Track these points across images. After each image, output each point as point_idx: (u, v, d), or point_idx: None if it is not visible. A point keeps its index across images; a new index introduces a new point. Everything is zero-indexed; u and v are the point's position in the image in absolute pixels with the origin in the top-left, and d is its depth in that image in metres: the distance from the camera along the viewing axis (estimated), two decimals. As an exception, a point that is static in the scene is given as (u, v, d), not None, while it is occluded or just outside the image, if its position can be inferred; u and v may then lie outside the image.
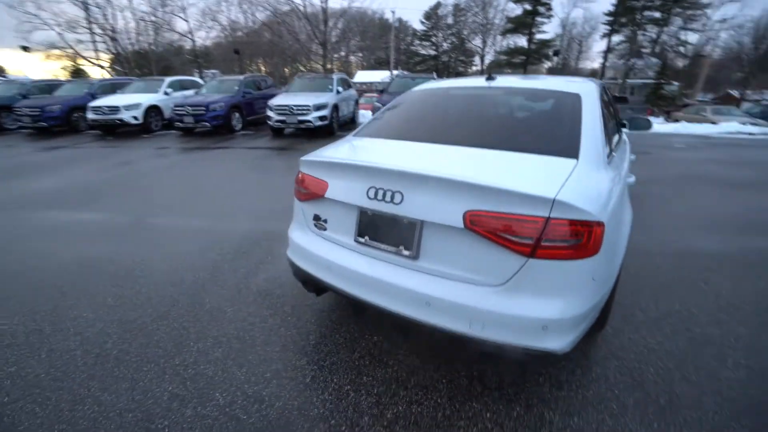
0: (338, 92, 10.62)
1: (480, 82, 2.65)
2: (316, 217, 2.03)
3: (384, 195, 1.69)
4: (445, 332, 1.64)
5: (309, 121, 9.57)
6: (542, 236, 1.44)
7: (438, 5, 54.22)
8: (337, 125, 10.73)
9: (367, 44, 42.69)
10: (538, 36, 47.86)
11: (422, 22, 56.63)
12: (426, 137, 2.16)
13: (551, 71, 47.13)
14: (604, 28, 45.67)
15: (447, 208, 1.55)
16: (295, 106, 9.55)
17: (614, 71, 41.71)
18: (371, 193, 1.72)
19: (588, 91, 2.29)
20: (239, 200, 4.92)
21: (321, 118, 9.66)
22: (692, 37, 38.97)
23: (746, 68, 36.81)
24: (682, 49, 39.05)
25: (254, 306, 2.58)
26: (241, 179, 6.04)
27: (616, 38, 39.72)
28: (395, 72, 39.82)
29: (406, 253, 1.70)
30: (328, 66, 28.22)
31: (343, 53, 43.66)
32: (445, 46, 56.59)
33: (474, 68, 55.29)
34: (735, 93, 38.38)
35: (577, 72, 47.95)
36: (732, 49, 37.73)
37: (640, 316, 2.45)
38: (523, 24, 47.33)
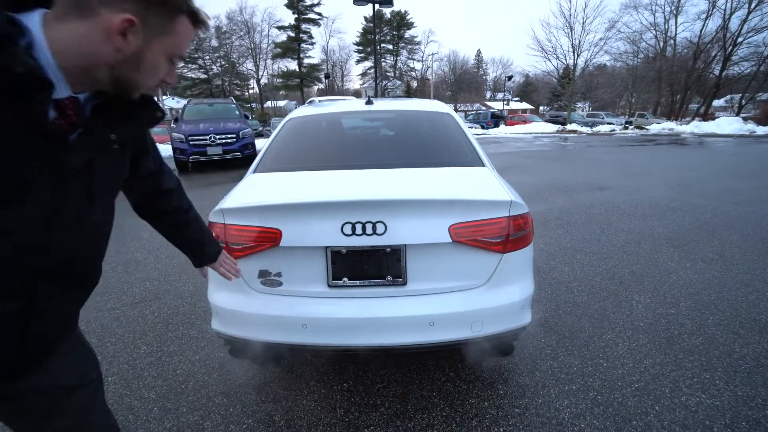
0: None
1: (360, 105, 2.77)
2: (264, 273, 1.68)
3: (364, 228, 1.57)
4: (449, 345, 1.69)
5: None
6: (509, 233, 1.68)
7: (198, 26, 50.58)
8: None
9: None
10: (306, 60, 52.09)
11: (183, 44, 51.58)
12: (347, 164, 2.13)
13: (322, 92, 52.47)
14: (356, 56, 54.35)
15: (433, 227, 1.60)
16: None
17: (371, 91, 50.23)
18: (347, 230, 1.57)
19: (449, 110, 2.78)
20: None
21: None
22: (417, 65, 56.16)
23: (452, 87, 52.69)
24: (412, 73, 54.89)
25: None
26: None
27: (367, 64, 50.52)
28: (164, 97, 35.00)
29: (395, 281, 1.64)
30: None
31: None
32: (216, 69, 53.70)
33: (251, 90, 54.85)
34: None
35: (343, 92, 54.92)
36: (440, 75, 54.63)
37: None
38: (290, 49, 50.46)
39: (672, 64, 32.27)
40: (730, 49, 27.91)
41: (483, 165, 2.17)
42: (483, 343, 1.72)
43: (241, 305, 1.68)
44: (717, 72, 29.41)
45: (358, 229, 1.57)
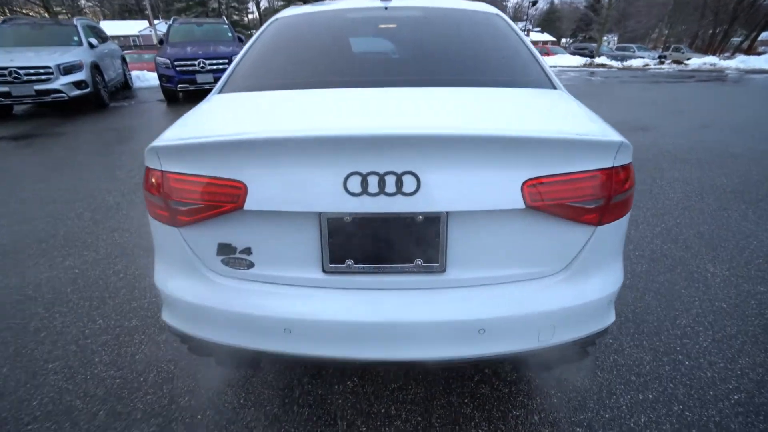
0: (91, 45, 7.51)
1: (372, 2, 1.98)
2: (226, 249, 1.09)
3: (381, 184, 0.95)
4: (504, 359, 1.15)
5: (58, 91, 6.49)
6: (611, 193, 1.05)
7: (189, -63, 45.33)
8: (108, 94, 7.81)
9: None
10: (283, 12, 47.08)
11: (174, -42, 46.73)
12: (356, 80, 1.44)
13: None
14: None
15: (496, 185, 0.97)
16: (21, 68, 6.24)
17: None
18: (353, 185, 0.95)
19: (497, 10, 1.99)
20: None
21: (77, 84, 6.71)
22: None
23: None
24: None
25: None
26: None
27: None
28: (156, 21, 32.36)
29: (427, 267, 1.05)
30: (57, 11, 19.96)
31: (66, -4, 31.85)
32: (211, -11, 48.99)
33: (251, 15, 50.55)
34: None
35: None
36: None
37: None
38: (293, -34, 45.36)
39: (722, -14, 28.41)
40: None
41: (554, 87, 1.48)
42: (551, 353, 1.18)
43: (196, 295, 1.13)
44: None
45: (372, 184, 0.95)
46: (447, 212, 1.00)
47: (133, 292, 2.17)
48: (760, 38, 32.02)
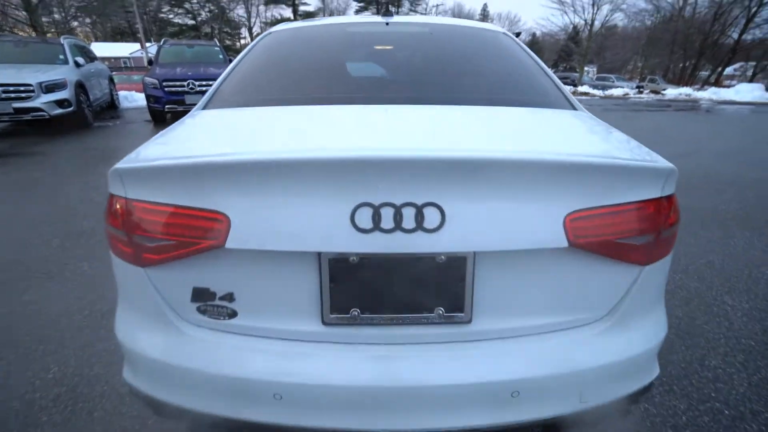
0: (78, 64, 7.34)
1: (372, 18, 1.88)
2: (202, 294, 0.89)
3: (399, 217, 0.77)
4: (536, 423, 0.95)
5: (38, 110, 6.24)
6: (660, 227, 0.90)
7: (183, -35, 46.61)
8: (92, 114, 7.58)
9: (92, 4, 32.22)
10: (302, 8, 48.61)
11: (168, -15, 47.76)
12: (360, 96, 1.29)
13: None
14: (355, 5, 51.02)
15: (533, 219, 0.80)
16: (1, 86, 5.99)
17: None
18: (364, 219, 0.77)
19: (503, 29, 1.90)
20: None
21: (59, 103, 6.47)
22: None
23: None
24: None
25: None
26: None
27: (367, 14, 47.83)
28: (148, 44, 32.54)
29: (450, 317, 0.87)
30: (47, 30, 19.77)
31: (57, 16, 31.82)
32: (204, 15, 49.90)
33: (243, 40, 51.48)
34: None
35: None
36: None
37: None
38: (285, -6, 46.83)
39: (689, 25, 30.25)
40: (754, 10, 26.00)
41: (575, 108, 1.36)
42: (591, 415, 0.99)
43: (165, 350, 0.92)
44: (735, 36, 27.64)
45: (387, 218, 0.77)
46: (474, 252, 0.83)
47: (99, 332, 1.91)
48: (725, 72, 33.98)
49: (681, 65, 32.53)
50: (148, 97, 7.76)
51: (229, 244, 0.79)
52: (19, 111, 6.15)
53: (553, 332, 0.92)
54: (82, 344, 1.82)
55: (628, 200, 0.86)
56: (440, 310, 0.86)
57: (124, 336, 0.98)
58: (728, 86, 23.07)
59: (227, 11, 48.43)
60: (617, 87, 24.27)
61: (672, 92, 21.51)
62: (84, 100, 7.24)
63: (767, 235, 3.03)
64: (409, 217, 0.77)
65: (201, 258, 0.84)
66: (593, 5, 28.32)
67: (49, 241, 2.88)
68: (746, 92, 18.70)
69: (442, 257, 0.82)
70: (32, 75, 6.27)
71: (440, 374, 0.85)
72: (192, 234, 0.82)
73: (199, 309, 0.90)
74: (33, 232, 3.03)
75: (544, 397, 0.90)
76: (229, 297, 0.88)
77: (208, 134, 1.10)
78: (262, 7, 48.96)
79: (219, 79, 1.49)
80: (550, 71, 1.55)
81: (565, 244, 0.81)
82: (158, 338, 0.93)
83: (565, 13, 30.28)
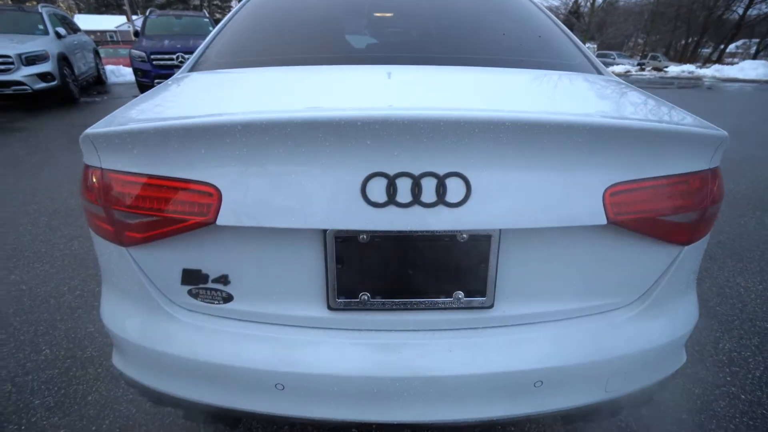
0: (59, 35, 6.98)
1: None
2: (193, 277, 0.80)
3: (417, 189, 0.67)
4: (560, 414, 0.89)
5: (20, 83, 5.95)
6: (707, 204, 0.81)
7: (169, -70, 44.35)
8: (78, 88, 7.28)
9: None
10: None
11: (153, -48, 45.63)
12: (366, 55, 1.17)
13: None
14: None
15: (568, 193, 0.70)
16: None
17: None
18: (376, 191, 0.67)
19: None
20: None
21: (42, 76, 6.18)
22: None
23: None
24: None
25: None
26: None
27: None
28: (135, 17, 31.30)
29: (470, 301, 0.78)
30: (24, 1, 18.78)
31: (38, -12, 30.43)
32: (193, -15, 47.91)
33: (235, 14, 49.65)
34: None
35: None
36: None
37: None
38: (278, -36, 45.03)
39: (694, 0, 29.40)
40: (762, -16, 25.26)
41: (601, 72, 1.24)
42: (616, 404, 0.93)
43: (153, 337, 0.83)
44: (740, 12, 26.96)
45: (404, 190, 0.67)
46: (500, 230, 0.73)
47: (92, 313, 1.83)
48: (728, 50, 33.29)
49: (683, 42, 31.85)
50: (135, 70, 7.45)
51: (221, 220, 0.69)
52: (-1, 85, 5.87)
53: (580, 317, 0.84)
54: (73, 325, 1.75)
55: (674, 172, 0.76)
56: (459, 294, 0.77)
57: (111, 322, 0.89)
58: (731, 64, 22.64)
59: (217, -18, 46.52)
60: (618, 64, 23.78)
61: (674, 69, 21.11)
62: (68, 74, 6.93)
63: (776, 214, 2.97)
64: (429, 189, 0.67)
65: (190, 236, 0.75)
66: (595, -24, 27.37)
67: (36, 220, 2.77)
68: (750, 70, 18.36)
69: (464, 236, 0.73)
70: (10, 45, 5.95)
71: (458, 364, 0.77)
72: (178, 209, 0.71)
73: (190, 293, 0.81)
74: (18, 210, 2.90)
75: (568, 386, 0.83)
76: (224, 279, 0.79)
77: (194, 96, 0.98)
78: (254, -22, 47.06)
79: (206, 40, 1.35)
80: (571, 33, 1.42)
81: (604, 221, 0.72)
82: (147, 324, 0.84)
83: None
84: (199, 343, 0.81)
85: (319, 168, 0.67)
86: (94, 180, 0.77)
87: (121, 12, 41.01)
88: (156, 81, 7.22)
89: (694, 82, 15.81)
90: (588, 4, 28.95)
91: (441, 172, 0.67)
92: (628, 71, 21.38)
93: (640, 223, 0.75)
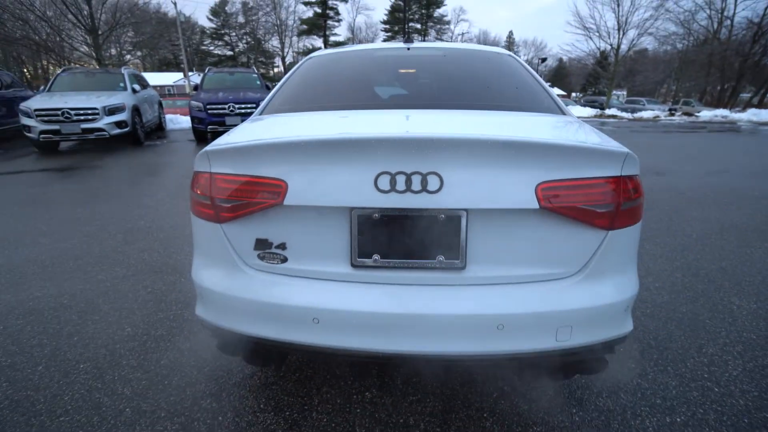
0: (134, 91, 8.24)
1: (396, 45, 2.23)
2: (262, 244, 1.20)
3: (409, 182, 1.06)
4: (522, 358, 1.18)
5: (101, 130, 7.06)
6: (620, 200, 1.13)
7: (225, 2, 50.68)
8: (143, 134, 8.41)
9: (144, 40, 35.60)
10: (332, 38, 51.21)
11: (210, 19, 52.08)
12: (385, 103, 1.61)
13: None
14: (383, 34, 53.12)
15: (512, 185, 1.06)
16: (72, 109, 6.85)
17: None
18: (383, 183, 1.06)
19: (509, 52, 2.20)
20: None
21: (118, 124, 7.29)
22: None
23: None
24: (441, 53, 57.91)
25: (136, 424, 1.46)
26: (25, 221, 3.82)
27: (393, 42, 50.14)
28: (191, 73, 35.13)
29: (449, 263, 1.13)
30: (106, 63, 21.91)
31: (113, 51, 35.14)
32: (241, 46, 53.62)
33: (276, 69, 54.59)
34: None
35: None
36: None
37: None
38: (316, 26, 49.78)
39: (726, 47, 29.51)
40: (797, 30, 25.12)
41: (564, 114, 1.61)
42: (568, 357, 1.20)
43: (230, 287, 1.22)
44: (778, 56, 26.69)
45: (400, 182, 1.06)
46: (467, 211, 1.09)
47: (160, 305, 2.25)
48: (768, 95, 32.55)
49: (719, 87, 31.55)
50: (192, 118, 8.53)
51: (287, 201, 1.10)
52: (85, 131, 6.99)
53: (533, 282, 1.15)
54: (148, 313, 2.17)
55: (591, 175, 1.10)
56: (441, 258, 1.12)
57: (200, 278, 1.29)
58: (773, 108, 22.09)
59: (263, 42, 51.86)
60: (648, 110, 23.83)
61: (707, 114, 20.88)
62: (138, 122, 8.07)
63: (785, 245, 3.07)
64: (416, 181, 1.05)
65: (263, 214, 1.15)
66: (619, 30, 28.34)
67: (114, 235, 3.33)
68: (789, 113, 17.92)
69: (442, 215, 1.09)
70: (98, 100, 7.13)
71: (440, 306, 1.10)
72: (259, 195, 1.13)
73: (258, 256, 1.20)
74: (100, 229, 3.50)
75: (524, 332, 1.12)
76: (282, 246, 1.18)
77: (267, 128, 1.44)
78: (295, 38, 52.11)
79: (270, 94, 1.85)
80: (546, 85, 1.82)
81: (537, 206, 1.06)
82: (227, 278, 1.23)
83: (590, 38, 30.31)
84: (263, 290, 1.18)
85: (348, 168, 1.07)
86: (204, 180, 1.21)
87: (179, 69, 46.17)
88: (209, 128, 8.23)
89: (729, 126, 15.60)
90: (613, 54, 29.80)
91: (424, 171, 1.05)
92: (657, 116, 21.36)
93: (566, 210, 1.08)
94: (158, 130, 10.81)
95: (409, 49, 2.12)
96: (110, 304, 2.28)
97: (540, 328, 1.13)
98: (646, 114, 21.84)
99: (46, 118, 6.83)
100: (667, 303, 2.26)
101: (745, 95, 31.79)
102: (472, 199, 1.06)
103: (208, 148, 1.21)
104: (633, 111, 23.28)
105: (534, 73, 1.92)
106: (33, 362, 1.78)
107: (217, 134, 8.59)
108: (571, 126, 1.40)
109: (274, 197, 1.11)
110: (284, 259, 1.19)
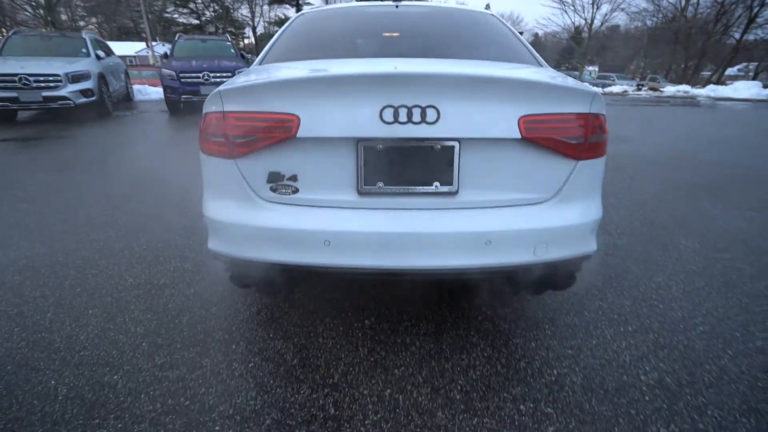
0: (99, 57, 7.80)
1: (385, 3, 2.30)
2: (275, 177, 1.31)
3: (410, 114, 1.19)
4: (506, 270, 1.37)
5: (65, 98, 6.69)
6: (588, 134, 1.31)
7: (188, -34, 47.30)
8: (111, 104, 8.03)
9: (100, 4, 32.96)
10: (305, 8, 49.21)
11: (173, -15, 48.57)
12: (381, 52, 1.72)
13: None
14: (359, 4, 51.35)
15: (498, 118, 1.22)
16: (31, 75, 6.45)
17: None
18: (387, 115, 1.19)
19: (492, 12, 2.32)
20: None
21: (84, 92, 6.93)
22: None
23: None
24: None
25: (154, 354, 1.58)
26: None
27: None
28: (153, 43, 33.02)
29: (443, 189, 1.28)
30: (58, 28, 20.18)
31: (64, 17, 32.43)
32: (208, 14, 50.59)
33: (246, 40, 52.07)
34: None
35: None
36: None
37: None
38: (289, -6, 47.40)
39: (691, 24, 30.53)
40: (756, 10, 26.27)
41: (542, 66, 1.77)
42: (543, 270, 1.40)
43: (244, 217, 1.33)
44: (737, 36, 27.94)
45: (402, 115, 1.19)
46: (460, 141, 1.24)
47: (159, 259, 2.33)
48: (729, 73, 34.16)
49: (683, 65, 32.83)
50: (165, 87, 8.20)
51: (299, 134, 1.21)
52: (47, 99, 6.60)
53: (515, 206, 1.33)
54: (147, 266, 2.25)
55: (564, 111, 1.27)
56: (437, 184, 1.28)
57: (214, 213, 1.39)
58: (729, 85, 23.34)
59: (231, 11, 49.07)
60: (617, 85, 24.60)
61: (670, 89, 21.83)
62: (105, 91, 7.69)
63: (729, 200, 3.44)
64: (417, 114, 1.19)
65: (276, 148, 1.26)
66: (593, 4, 28.77)
67: (99, 200, 3.31)
68: (743, 89, 19.00)
69: (438, 146, 1.24)
70: (59, 66, 6.72)
71: (437, 225, 1.27)
72: (271, 129, 1.23)
73: (271, 188, 1.32)
74: (83, 194, 3.46)
75: (508, 248, 1.31)
76: (294, 178, 1.30)
77: (274, 71, 1.52)
78: (266, 7, 49.56)
79: (267, 47, 1.91)
80: (525, 41, 1.97)
81: (519, 136, 1.22)
82: (241, 210, 1.34)
83: (566, 12, 30.65)
84: (277, 219, 1.30)
85: (356, 102, 1.19)
86: (216, 119, 1.30)
87: (140, 39, 43.27)
88: (183, 97, 7.95)
89: (689, 101, 16.43)
90: (587, 29, 30.27)
91: (423, 104, 1.18)
92: (625, 91, 22.12)
93: (543, 140, 1.25)
94: (126, 101, 10.32)
95: (397, 6, 2.21)
96: (107, 259, 2.33)
97: (521, 244, 1.32)
98: (615, 89, 22.53)
99: (1, 85, 6.40)
100: (626, 245, 2.54)
101: (706, 73, 33.29)
102: (464, 130, 1.21)
103: (221, 88, 1.30)
104: (603, 86, 23.97)
105: (515, 31, 2.06)
106: (40, 311, 1.85)
107: (190, 104, 8.35)
108: (548, 72, 1.57)
109: (288, 131, 1.22)
110: (296, 190, 1.31)
